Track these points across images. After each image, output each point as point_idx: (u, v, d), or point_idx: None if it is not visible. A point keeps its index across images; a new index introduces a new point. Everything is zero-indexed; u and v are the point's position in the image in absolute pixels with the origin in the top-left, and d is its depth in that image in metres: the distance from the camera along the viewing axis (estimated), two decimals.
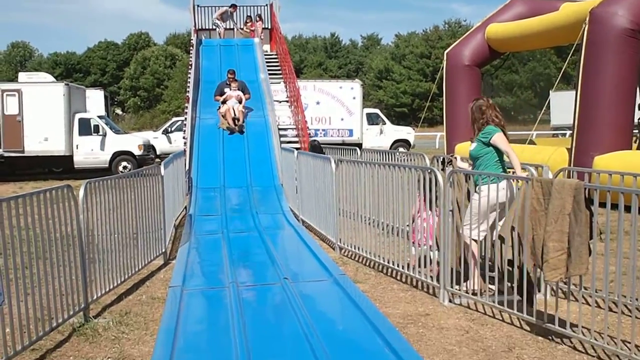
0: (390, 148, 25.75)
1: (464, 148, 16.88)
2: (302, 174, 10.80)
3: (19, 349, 4.69)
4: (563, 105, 30.73)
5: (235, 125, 15.27)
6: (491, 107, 6.61)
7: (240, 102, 15.61)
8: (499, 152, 6.41)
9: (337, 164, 8.71)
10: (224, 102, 15.55)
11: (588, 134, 12.79)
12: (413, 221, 7.02)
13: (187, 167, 13.36)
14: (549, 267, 5.01)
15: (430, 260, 6.70)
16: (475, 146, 6.59)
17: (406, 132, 28.31)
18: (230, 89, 15.75)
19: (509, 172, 6.45)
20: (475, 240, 6.21)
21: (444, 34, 66.11)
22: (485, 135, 6.45)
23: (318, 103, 24.22)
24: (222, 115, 15.44)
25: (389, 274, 7.37)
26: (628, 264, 4.82)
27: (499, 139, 6.38)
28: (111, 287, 6.44)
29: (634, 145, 14.33)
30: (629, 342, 4.67)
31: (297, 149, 12.93)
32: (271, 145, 14.79)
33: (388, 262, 7.32)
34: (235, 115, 15.32)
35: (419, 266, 6.74)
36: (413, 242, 7.00)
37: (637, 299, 5.21)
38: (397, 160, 12.88)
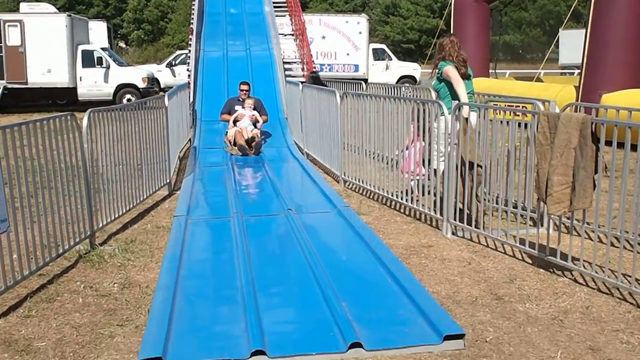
0: (396, 83, 25.54)
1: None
2: (307, 108, 10.74)
3: (26, 273, 4.75)
4: (572, 44, 30.27)
5: (250, 147, 10.73)
6: (453, 44, 7.03)
7: (255, 125, 11.23)
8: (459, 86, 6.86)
9: (342, 97, 8.65)
10: (235, 122, 11.23)
11: (596, 72, 12.64)
12: (407, 149, 7.04)
13: (191, 100, 13.29)
14: (553, 201, 5.01)
15: (423, 189, 6.70)
16: (434, 81, 7.14)
17: (412, 69, 28.05)
18: (244, 107, 11.38)
19: (515, 106, 6.41)
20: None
21: None
22: (439, 71, 6.97)
23: (324, 37, 23.94)
24: (230, 141, 11.05)
25: (392, 207, 7.40)
26: (632, 201, 4.82)
27: (448, 71, 6.86)
28: (116, 215, 6.49)
29: None
30: (630, 276, 4.71)
31: (302, 82, 12.82)
32: (276, 79, 14.66)
33: (392, 195, 7.34)
34: (248, 136, 10.89)
35: (423, 195, 6.75)
36: (401, 171, 7.13)
37: (639, 235, 5.24)
38: (403, 94, 12.77)
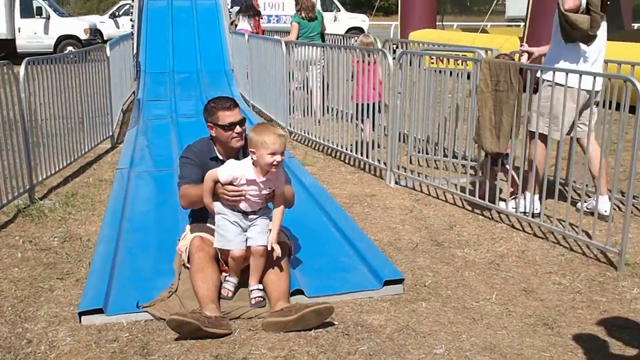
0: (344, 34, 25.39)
1: (418, 35, 16.76)
2: (253, 58, 10.61)
3: None
4: None
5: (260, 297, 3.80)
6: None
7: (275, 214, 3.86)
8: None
9: (289, 46, 8.56)
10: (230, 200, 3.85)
11: (540, 23, 12.76)
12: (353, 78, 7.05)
13: (135, 51, 12.99)
14: (487, 141, 5.14)
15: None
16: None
17: (360, 20, 27.94)
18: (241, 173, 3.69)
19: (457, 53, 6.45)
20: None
21: None
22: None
23: None
24: (223, 258, 3.89)
25: (337, 157, 7.44)
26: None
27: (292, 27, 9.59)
28: (57, 169, 6.37)
29: None
30: (564, 220, 4.86)
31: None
32: (222, 29, 14.39)
33: (337, 146, 7.37)
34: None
35: (373, 148, 6.79)
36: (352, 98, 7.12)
37: (574, 182, 5.40)
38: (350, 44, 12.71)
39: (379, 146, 6.62)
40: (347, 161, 7.26)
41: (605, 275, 4.29)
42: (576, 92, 4.67)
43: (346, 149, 7.16)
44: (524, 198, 5.19)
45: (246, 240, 3.72)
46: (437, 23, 20.12)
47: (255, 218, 3.74)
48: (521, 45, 5.84)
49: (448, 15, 26.00)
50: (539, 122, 5.02)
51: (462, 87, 5.76)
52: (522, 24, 25.92)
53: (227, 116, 3.87)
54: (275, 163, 3.54)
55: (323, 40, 10.06)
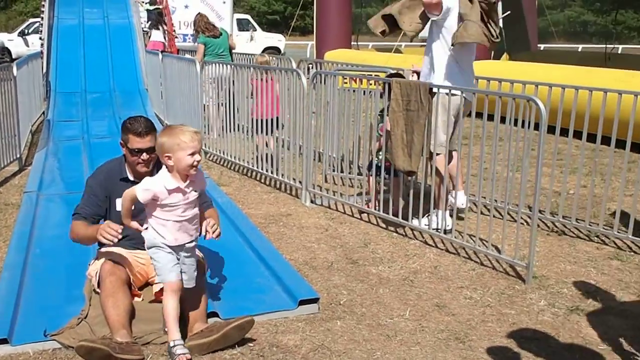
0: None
1: (333, 55, 16.98)
2: (167, 77, 10.49)
3: None
4: None
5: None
6: (202, 18, 10.07)
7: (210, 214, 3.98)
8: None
9: (202, 65, 8.51)
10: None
11: None
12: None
13: (44, 71, 12.62)
14: (400, 159, 5.24)
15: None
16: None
17: (277, 40, 28.14)
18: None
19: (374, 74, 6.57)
20: None
21: None
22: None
23: (187, 7, 23.19)
24: (135, 282, 3.88)
25: (253, 177, 7.41)
26: (478, 166, 5.08)
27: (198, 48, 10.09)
28: None
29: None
30: (474, 236, 4.99)
31: (162, 52, 12.48)
32: (135, 48, 14.17)
33: (252, 165, 7.35)
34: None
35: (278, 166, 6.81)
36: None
37: (483, 197, 5.57)
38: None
39: (281, 159, 6.64)
40: (263, 181, 7.25)
41: (514, 288, 4.43)
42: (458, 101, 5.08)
43: (262, 169, 7.15)
44: (436, 215, 5.31)
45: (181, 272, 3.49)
46: (352, 43, 20.44)
47: (191, 247, 3.51)
48: (413, 65, 6.10)
49: (363, 35, 26.49)
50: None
51: (376, 107, 5.86)
52: None
53: (136, 142, 3.81)
54: (195, 164, 3.30)
55: (232, 58, 10.36)
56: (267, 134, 7.08)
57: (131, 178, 3.92)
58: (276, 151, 7.07)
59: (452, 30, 5.15)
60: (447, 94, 5.05)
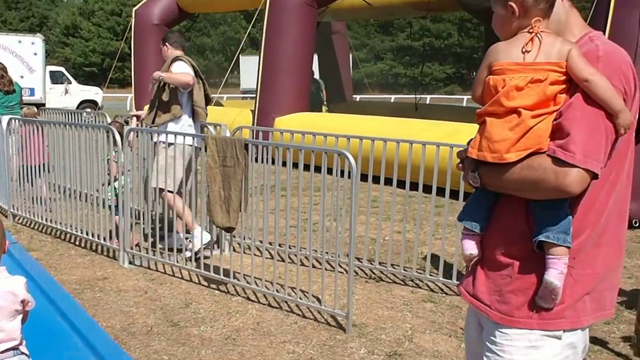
0: (77, 108, 24.53)
1: None
2: None
3: None
4: (252, 70, 31.88)
5: None
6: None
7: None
8: None
9: (9, 122, 8.00)
10: None
11: (270, 96, 13.43)
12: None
13: None
14: (218, 216, 5.22)
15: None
16: None
17: (94, 93, 27.26)
18: None
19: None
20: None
21: None
22: None
23: None
24: None
25: (67, 240, 7.01)
26: (301, 217, 5.14)
27: None
28: None
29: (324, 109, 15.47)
30: (295, 288, 5.03)
31: None
32: None
33: (66, 227, 6.96)
34: None
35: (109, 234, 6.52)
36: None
37: (303, 249, 5.66)
38: (83, 120, 12.26)
39: (110, 224, 6.38)
40: (77, 243, 6.88)
41: (335, 338, 4.50)
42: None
43: (76, 230, 6.79)
44: (194, 237, 5.83)
45: None
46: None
47: None
48: (130, 111, 6.72)
49: None
50: (159, 179, 6.03)
51: (203, 162, 5.79)
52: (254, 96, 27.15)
53: None
54: None
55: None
56: (37, 177, 7.61)
57: None
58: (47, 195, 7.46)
59: None
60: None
